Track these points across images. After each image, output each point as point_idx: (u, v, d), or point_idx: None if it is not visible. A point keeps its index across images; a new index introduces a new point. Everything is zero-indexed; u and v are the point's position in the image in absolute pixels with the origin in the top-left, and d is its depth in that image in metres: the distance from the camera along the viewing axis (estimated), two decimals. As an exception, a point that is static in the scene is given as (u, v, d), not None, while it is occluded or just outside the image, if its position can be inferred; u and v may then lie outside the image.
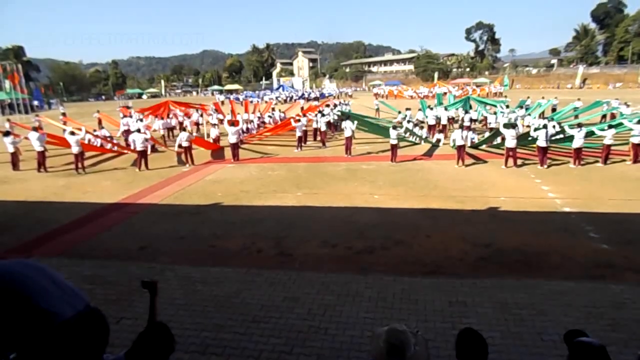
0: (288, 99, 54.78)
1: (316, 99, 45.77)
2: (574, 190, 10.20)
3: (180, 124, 22.28)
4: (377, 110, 28.82)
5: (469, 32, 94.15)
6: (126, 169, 14.57)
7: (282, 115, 25.44)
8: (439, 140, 17.66)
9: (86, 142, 16.13)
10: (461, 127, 14.70)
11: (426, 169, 13.25)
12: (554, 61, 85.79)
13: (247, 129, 21.17)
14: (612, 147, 13.15)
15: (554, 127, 14.77)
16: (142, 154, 14.33)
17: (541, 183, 11.04)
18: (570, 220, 8.16)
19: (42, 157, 14.44)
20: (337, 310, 5.08)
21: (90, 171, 14.32)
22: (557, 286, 5.48)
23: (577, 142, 12.76)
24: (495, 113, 20.32)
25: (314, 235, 7.72)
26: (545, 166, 12.81)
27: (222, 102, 40.60)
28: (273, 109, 27.26)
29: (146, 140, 14.68)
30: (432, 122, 19.93)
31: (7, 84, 42.14)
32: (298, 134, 17.53)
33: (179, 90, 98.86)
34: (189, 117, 22.38)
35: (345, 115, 17.67)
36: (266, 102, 40.18)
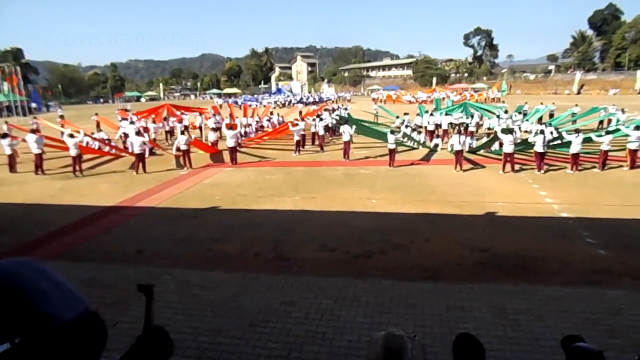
0: (286, 103, 54.87)
1: (314, 103, 45.88)
2: (571, 196, 10.23)
3: (186, 127, 22.39)
4: (376, 115, 28.87)
5: (467, 37, 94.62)
6: (124, 172, 14.54)
7: (281, 119, 25.48)
8: (436, 145, 17.69)
9: (84, 144, 16.10)
10: (459, 132, 14.74)
11: (424, 173, 13.27)
12: (552, 67, 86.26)
13: (246, 132, 21.19)
14: (610, 153, 13.20)
15: (551, 132, 14.83)
16: (140, 157, 14.31)
17: (539, 188, 11.07)
18: (567, 226, 8.18)
19: (39, 160, 14.41)
20: (334, 315, 5.07)
21: (88, 174, 14.28)
22: (555, 291, 5.49)
23: (575, 148, 12.80)
24: (498, 116, 20.38)
25: (312, 239, 7.72)
26: (543, 171, 12.85)
27: (221, 106, 40.62)
28: (271, 113, 27.30)
29: (144, 143, 14.66)
30: (431, 127, 19.99)
31: (5, 86, 42.16)
32: (296, 138, 17.54)
33: (177, 94, 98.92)
34: (181, 122, 22.10)
35: (344, 120, 17.71)
36: (264, 106, 40.21)
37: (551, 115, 24.29)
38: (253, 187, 11.89)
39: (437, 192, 10.89)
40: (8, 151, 14.71)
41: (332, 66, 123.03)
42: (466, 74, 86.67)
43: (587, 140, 13.50)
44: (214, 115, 23.67)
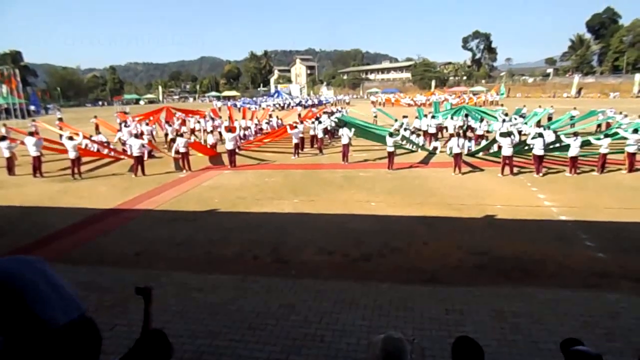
0: (285, 105, 54.92)
1: (313, 106, 45.93)
2: (570, 199, 10.24)
3: (193, 130, 22.48)
4: (375, 117, 28.91)
5: (465, 41, 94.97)
6: (123, 175, 14.53)
7: (280, 122, 25.50)
8: (435, 148, 17.71)
9: (83, 147, 16.09)
10: (458, 135, 14.76)
11: (423, 176, 13.28)
12: (550, 70, 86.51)
13: (245, 135, 21.20)
14: (608, 156, 13.22)
15: (550, 136, 14.86)
16: (139, 160, 14.30)
17: (537, 191, 11.08)
18: (566, 229, 8.19)
19: (37, 162, 14.40)
20: (333, 318, 5.06)
21: (87, 177, 14.26)
22: (553, 295, 5.48)
23: (573, 151, 12.83)
24: (504, 120, 20.45)
25: (311, 242, 7.71)
26: (542, 174, 12.86)
27: (220, 109, 40.65)
28: (270, 116, 27.32)
29: (143, 145, 14.65)
30: (432, 130, 20.04)
31: (4, 88, 42.14)
32: (294, 141, 17.55)
33: (176, 97, 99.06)
34: (171, 125, 22.09)
35: (343, 123, 17.72)
36: (263, 108, 40.25)
37: (550, 119, 24.35)
38: (252, 190, 11.88)
39: (436, 195, 10.89)
40: (7, 154, 14.70)
41: (331, 69, 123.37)
42: (465, 77, 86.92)
43: (586, 143, 13.53)
44: (212, 119, 23.71)
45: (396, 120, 21.10)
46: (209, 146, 18.39)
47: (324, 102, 56.85)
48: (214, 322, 5.03)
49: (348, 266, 6.70)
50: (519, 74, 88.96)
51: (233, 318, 5.11)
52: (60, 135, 17.97)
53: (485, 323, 4.87)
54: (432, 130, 19.96)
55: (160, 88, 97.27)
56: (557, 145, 14.58)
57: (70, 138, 14.58)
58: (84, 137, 16.76)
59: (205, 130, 22.15)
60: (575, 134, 13.26)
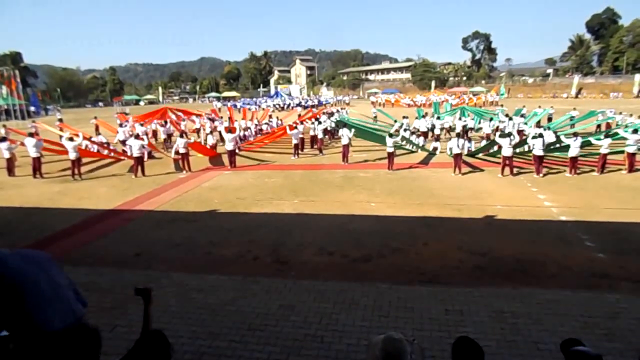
0: (285, 106, 54.95)
1: (313, 106, 45.96)
2: (570, 199, 10.24)
3: (198, 129, 22.49)
4: (375, 118, 28.94)
5: (465, 41, 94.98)
6: (123, 176, 14.53)
7: (280, 122, 25.51)
8: (435, 149, 17.72)
9: (83, 147, 16.09)
10: (457, 135, 14.77)
11: (423, 177, 13.28)
12: (550, 71, 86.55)
13: (245, 136, 21.21)
14: (608, 156, 13.21)
15: (550, 136, 14.86)
16: (139, 160, 14.31)
17: (537, 192, 11.08)
18: (566, 229, 8.19)
19: (37, 163, 14.40)
20: (333, 318, 5.06)
21: (86, 177, 14.27)
22: (553, 295, 5.48)
23: (573, 151, 12.83)
24: (510, 118, 20.56)
25: (311, 242, 7.71)
26: (542, 175, 12.87)
27: (219, 109, 40.67)
28: (270, 117, 27.33)
29: (143, 146, 14.66)
30: (437, 131, 20.12)
31: (4, 90, 42.15)
32: (294, 141, 17.56)
33: (176, 97, 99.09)
34: (163, 126, 22.14)
35: (342, 123, 17.73)
36: (263, 109, 40.27)
37: (550, 119, 24.37)
38: (252, 191, 11.89)
39: (436, 196, 10.89)
40: (6, 155, 14.71)
41: (331, 69, 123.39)
42: (465, 78, 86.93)
43: (586, 143, 13.53)
44: (210, 119, 23.70)
45: (396, 121, 21.12)
46: (208, 147, 18.41)
47: (324, 102, 56.87)
48: (214, 323, 5.02)
49: (348, 267, 6.69)
50: (519, 75, 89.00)
51: (233, 319, 5.11)
52: (61, 137, 17.97)
53: (485, 323, 4.87)
54: (438, 131, 20.06)
55: (160, 89, 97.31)
56: (557, 145, 14.59)
57: (71, 139, 14.59)
58: (84, 138, 16.77)
59: (204, 130, 22.14)
60: (575, 135, 13.27)
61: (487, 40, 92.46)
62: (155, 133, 22.85)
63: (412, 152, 17.84)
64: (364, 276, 6.27)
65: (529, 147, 13.48)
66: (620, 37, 71.74)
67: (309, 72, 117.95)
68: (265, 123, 25.15)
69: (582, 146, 13.03)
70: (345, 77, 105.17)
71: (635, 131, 13.38)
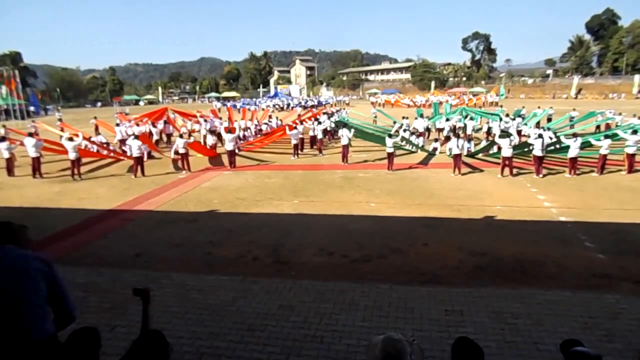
0: (285, 106, 54.96)
1: (313, 106, 45.97)
2: (570, 200, 10.24)
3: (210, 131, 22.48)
4: (375, 119, 28.94)
5: (465, 42, 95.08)
6: (122, 176, 14.52)
7: (280, 123, 25.52)
8: (435, 149, 17.72)
9: (83, 147, 16.08)
10: (457, 136, 14.78)
11: (423, 177, 13.29)
12: (550, 71, 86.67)
13: (244, 136, 21.21)
14: (608, 157, 13.22)
15: (549, 137, 14.87)
16: (138, 161, 14.30)
17: (537, 192, 11.08)
18: (566, 230, 8.19)
19: (37, 163, 14.39)
20: (333, 319, 5.06)
21: (86, 177, 14.26)
22: (553, 296, 5.48)
23: (573, 152, 12.84)
24: (513, 119, 20.62)
25: (311, 243, 7.71)
26: (541, 175, 12.87)
27: (219, 109, 40.67)
28: (270, 117, 27.33)
29: (142, 146, 14.65)
30: (445, 133, 20.19)
31: (3, 89, 42.11)
32: (294, 141, 17.56)
33: (176, 97, 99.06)
34: (156, 127, 22.08)
35: (342, 123, 17.73)
36: (263, 109, 40.27)
37: (549, 120, 24.39)
38: (252, 191, 11.89)
39: (435, 196, 10.89)
40: (6, 155, 14.71)
41: (331, 70, 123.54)
42: (464, 78, 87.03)
43: (586, 144, 13.54)
44: (205, 121, 23.65)
45: (395, 122, 21.12)
46: (208, 147, 18.41)
47: (324, 102, 56.88)
48: (214, 323, 5.02)
49: (348, 267, 6.69)
50: (519, 75, 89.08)
51: (233, 319, 5.11)
52: (61, 137, 17.96)
53: (485, 324, 4.87)
54: (445, 132, 20.08)
55: (160, 89, 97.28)
56: (557, 146, 14.60)
57: (70, 139, 14.59)
58: (84, 138, 16.76)
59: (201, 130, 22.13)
60: (575, 135, 13.27)
61: (487, 40, 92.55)
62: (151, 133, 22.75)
63: (412, 152, 17.85)
64: (363, 276, 6.27)
65: (529, 147, 13.47)
66: (620, 37, 71.85)
67: (308, 72, 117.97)
68: (265, 123, 25.15)
69: (581, 147, 13.04)
70: (345, 78, 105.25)
71: (634, 132, 13.38)
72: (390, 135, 14.94)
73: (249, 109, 36.87)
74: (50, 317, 2.34)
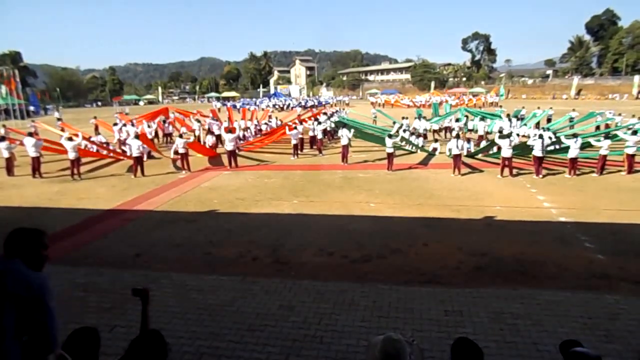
0: (285, 106, 54.96)
1: (313, 107, 45.96)
2: (570, 200, 10.24)
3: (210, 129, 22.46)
4: (375, 119, 28.93)
5: (465, 42, 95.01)
6: (122, 176, 14.52)
7: (279, 123, 25.51)
8: (435, 149, 17.72)
9: (82, 147, 16.08)
10: (457, 136, 14.78)
11: (422, 177, 13.29)
12: (549, 72, 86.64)
13: (244, 136, 21.21)
14: (608, 158, 13.22)
15: (549, 137, 14.88)
16: (138, 160, 14.30)
17: (537, 193, 11.09)
18: (565, 230, 8.19)
19: (37, 163, 14.39)
20: (332, 319, 5.06)
21: (86, 177, 14.25)
22: (553, 296, 5.48)
23: (573, 152, 12.84)
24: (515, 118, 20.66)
25: (310, 243, 7.71)
26: (541, 176, 12.87)
27: (219, 109, 40.68)
28: (270, 117, 27.34)
29: (142, 146, 14.65)
30: (454, 133, 20.14)
31: (3, 89, 42.07)
32: (293, 141, 17.56)
33: (176, 97, 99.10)
34: (150, 127, 22.04)
35: (342, 124, 17.74)
36: (263, 109, 40.26)
37: (549, 120, 24.39)
38: (251, 191, 11.88)
39: (435, 196, 10.89)
40: (6, 154, 14.71)
41: (331, 70, 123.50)
42: (464, 79, 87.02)
43: (586, 144, 13.54)
44: (198, 121, 23.57)
45: (395, 122, 21.12)
46: (208, 147, 18.41)
47: (324, 103, 56.87)
48: (214, 323, 5.02)
49: (347, 267, 6.69)
50: (519, 76, 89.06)
51: (232, 319, 5.11)
52: (62, 137, 17.96)
53: (485, 324, 4.87)
54: (454, 133, 20.03)
55: (159, 89, 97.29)
56: (557, 146, 14.60)
57: (70, 139, 14.58)
58: (84, 138, 16.76)
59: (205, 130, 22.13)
60: (575, 135, 13.27)
61: (487, 41, 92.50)
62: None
63: (412, 152, 17.85)
64: (363, 277, 6.27)
65: (530, 147, 13.47)
66: (620, 38, 71.83)
67: (308, 72, 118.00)
68: (265, 123, 25.15)
69: (582, 147, 13.04)
70: (344, 78, 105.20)
71: (634, 132, 13.39)
72: (390, 136, 14.94)
73: (248, 109, 36.85)
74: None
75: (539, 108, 25.81)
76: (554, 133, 16.47)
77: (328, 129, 21.24)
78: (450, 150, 14.07)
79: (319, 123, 19.73)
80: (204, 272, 6.53)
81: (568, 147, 13.11)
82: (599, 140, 13.56)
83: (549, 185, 11.88)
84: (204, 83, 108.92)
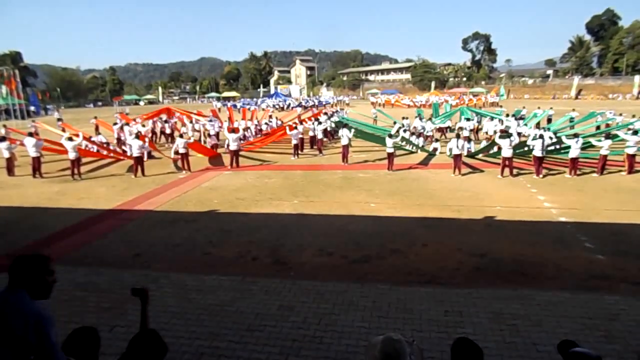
0: (285, 106, 54.94)
1: (313, 106, 45.96)
2: (570, 201, 10.24)
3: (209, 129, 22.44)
4: (375, 119, 28.92)
5: (465, 42, 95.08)
6: (122, 176, 14.52)
7: (280, 123, 25.51)
8: (435, 149, 17.72)
9: (83, 147, 16.08)
10: (457, 136, 14.78)
11: (422, 177, 13.28)
12: (550, 72, 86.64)
13: (245, 136, 21.21)
14: (608, 158, 13.21)
15: (550, 137, 14.87)
16: (138, 160, 14.30)
17: (537, 193, 11.08)
18: (565, 231, 8.18)
19: (37, 163, 14.39)
20: (332, 319, 5.06)
21: (86, 177, 14.26)
22: (553, 297, 5.48)
23: (573, 152, 12.83)
24: (519, 118, 20.66)
25: (310, 243, 7.71)
26: (541, 176, 12.87)
27: (219, 109, 40.65)
28: (270, 117, 27.34)
29: (142, 146, 14.65)
30: (466, 133, 20.02)
31: (3, 89, 42.13)
32: (294, 141, 17.56)
33: (176, 97, 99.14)
34: (145, 126, 22.02)
35: (342, 124, 17.73)
36: (263, 109, 40.24)
37: (549, 120, 24.37)
38: (251, 191, 11.88)
39: (435, 197, 10.89)
40: (6, 154, 14.71)
41: (331, 70, 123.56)
42: (465, 79, 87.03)
43: (586, 144, 13.52)
44: (191, 122, 23.54)
45: (395, 122, 21.11)
46: (208, 147, 18.40)
47: (324, 103, 56.85)
48: (213, 324, 5.02)
49: (347, 267, 6.69)
50: (519, 76, 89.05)
51: (232, 319, 5.11)
52: (63, 137, 17.97)
53: (484, 325, 4.87)
54: (467, 133, 19.94)
55: (160, 89, 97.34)
56: (557, 146, 14.59)
57: (70, 139, 14.58)
58: (84, 138, 16.75)
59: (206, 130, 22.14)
60: (576, 135, 13.27)
61: (487, 41, 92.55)
62: (153, 132, 22.74)
63: (412, 152, 17.84)
64: (363, 277, 6.27)
65: (529, 148, 13.46)
66: (620, 38, 71.85)
67: (308, 72, 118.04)
68: (265, 123, 25.14)
69: (582, 147, 13.03)
70: (345, 78, 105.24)
71: (635, 132, 13.38)
72: (390, 136, 14.93)
73: (249, 109, 36.84)
74: None
75: (539, 108, 25.80)
76: (555, 133, 16.45)
77: (328, 129, 21.23)
78: (450, 150, 14.07)
79: (320, 123, 19.73)
80: (203, 272, 6.53)
81: (569, 147, 13.10)
82: (599, 140, 13.55)
83: (549, 185, 11.87)
84: (204, 83, 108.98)
